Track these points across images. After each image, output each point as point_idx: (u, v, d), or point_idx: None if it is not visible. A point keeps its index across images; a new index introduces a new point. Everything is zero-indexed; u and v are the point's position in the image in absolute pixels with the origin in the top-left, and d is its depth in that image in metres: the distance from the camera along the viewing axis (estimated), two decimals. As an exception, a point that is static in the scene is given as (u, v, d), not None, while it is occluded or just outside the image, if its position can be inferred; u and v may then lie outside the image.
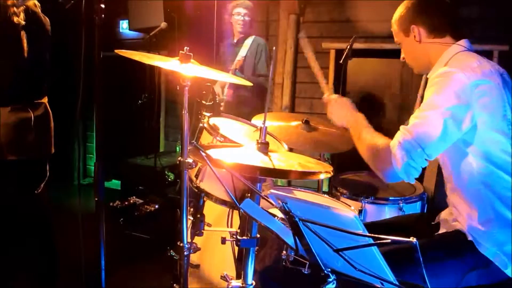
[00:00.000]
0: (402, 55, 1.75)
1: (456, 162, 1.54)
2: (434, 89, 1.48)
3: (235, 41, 3.76)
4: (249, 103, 3.56)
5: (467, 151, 1.50)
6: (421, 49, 1.65)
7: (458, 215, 1.60)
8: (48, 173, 2.35)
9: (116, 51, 1.62)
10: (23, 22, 2.16)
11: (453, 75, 1.45)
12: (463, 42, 1.60)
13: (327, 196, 1.89)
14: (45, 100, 2.34)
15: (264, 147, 1.44)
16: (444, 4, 1.67)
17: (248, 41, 3.69)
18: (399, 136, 1.48)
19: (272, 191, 1.11)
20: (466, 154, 1.50)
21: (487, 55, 1.58)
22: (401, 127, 1.51)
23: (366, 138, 1.63)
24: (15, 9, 2.13)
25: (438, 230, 1.70)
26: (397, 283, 1.03)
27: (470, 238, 1.54)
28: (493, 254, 1.49)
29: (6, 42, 2.16)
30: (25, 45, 2.18)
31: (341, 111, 1.80)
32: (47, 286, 2.38)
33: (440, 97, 1.46)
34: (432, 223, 1.76)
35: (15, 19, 2.13)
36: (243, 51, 3.67)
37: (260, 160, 1.37)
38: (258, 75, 3.63)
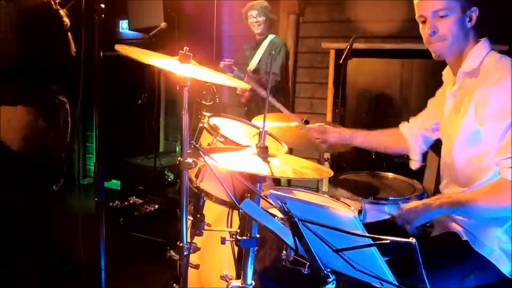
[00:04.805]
0: (433, 29, 1.53)
1: (466, 160, 1.55)
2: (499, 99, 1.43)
3: (256, 43, 3.83)
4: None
5: (481, 148, 1.50)
6: (467, 34, 1.55)
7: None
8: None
9: (116, 46, 1.61)
10: (69, 23, 2.21)
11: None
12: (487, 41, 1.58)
13: (327, 196, 1.88)
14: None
15: (263, 152, 1.43)
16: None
17: (265, 42, 3.75)
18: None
19: (272, 191, 1.11)
20: (479, 151, 1.51)
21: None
22: (501, 161, 1.42)
23: (474, 197, 1.47)
24: (62, 11, 2.17)
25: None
26: (396, 283, 1.03)
27: (465, 237, 1.55)
28: (489, 250, 1.50)
29: (59, 43, 2.24)
30: (72, 45, 2.28)
31: (420, 214, 1.51)
32: (47, 286, 2.38)
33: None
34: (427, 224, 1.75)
35: (65, 21, 2.16)
36: (259, 53, 3.74)
37: (254, 167, 1.36)
38: (273, 73, 3.64)
